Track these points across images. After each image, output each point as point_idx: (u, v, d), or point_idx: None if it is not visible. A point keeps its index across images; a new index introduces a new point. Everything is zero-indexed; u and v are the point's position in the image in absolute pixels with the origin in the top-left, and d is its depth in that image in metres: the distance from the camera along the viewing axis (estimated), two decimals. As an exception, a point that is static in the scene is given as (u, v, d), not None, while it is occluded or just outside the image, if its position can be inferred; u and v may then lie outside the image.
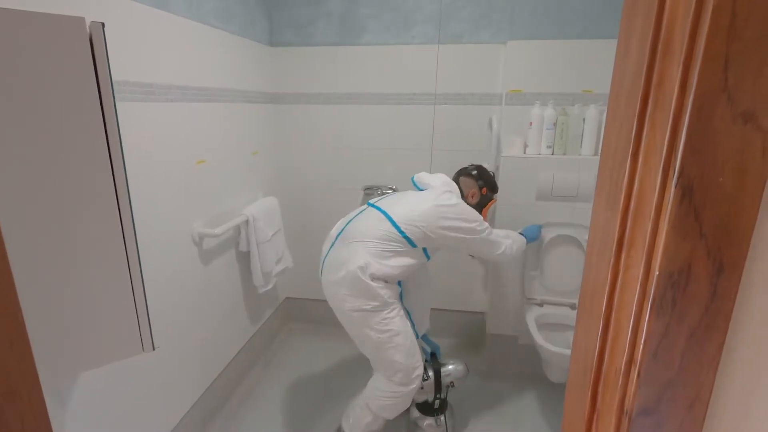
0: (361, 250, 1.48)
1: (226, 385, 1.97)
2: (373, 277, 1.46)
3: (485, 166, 1.82)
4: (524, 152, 2.08)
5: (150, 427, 1.49)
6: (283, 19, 2.27)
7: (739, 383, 0.36)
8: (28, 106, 0.67)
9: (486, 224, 1.65)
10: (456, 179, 1.75)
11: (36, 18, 0.65)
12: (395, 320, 1.50)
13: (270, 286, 2.11)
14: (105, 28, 0.73)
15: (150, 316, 0.87)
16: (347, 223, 1.60)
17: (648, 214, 0.36)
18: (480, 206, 1.75)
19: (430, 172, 2.40)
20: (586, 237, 1.99)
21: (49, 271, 0.73)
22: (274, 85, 2.33)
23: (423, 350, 1.81)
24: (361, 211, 1.64)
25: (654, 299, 0.36)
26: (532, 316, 1.96)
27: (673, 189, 0.34)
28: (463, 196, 1.72)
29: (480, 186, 1.75)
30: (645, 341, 0.37)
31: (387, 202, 1.63)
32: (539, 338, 1.79)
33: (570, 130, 1.99)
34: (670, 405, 0.37)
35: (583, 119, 1.97)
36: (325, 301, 1.58)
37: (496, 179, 1.84)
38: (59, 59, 0.69)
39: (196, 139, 1.66)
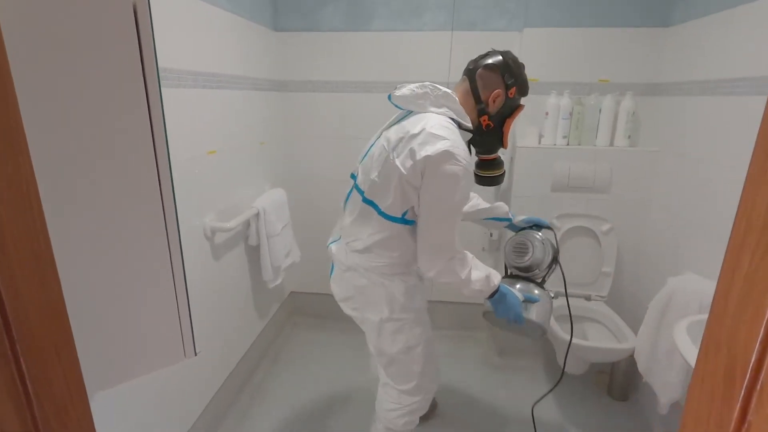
0: None
1: (237, 382, 1.91)
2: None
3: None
4: (539, 143, 2.05)
5: (166, 429, 1.42)
6: (288, 2, 2.17)
7: None
8: (72, 87, 0.60)
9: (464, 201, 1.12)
10: (471, 74, 1.20)
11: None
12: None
13: (279, 281, 2.04)
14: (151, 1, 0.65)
15: (192, 319, 0.80)
16: None
17: None
18: (501, 116, 1.21)
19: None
20: (601, 228, 2.00)
21: (91, 273, 0.66)
22: (280, 72, 2.24)
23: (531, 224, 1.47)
24: None
25: None
26: (548, 308, 1.95)
27: None
28: (480, 102, 1.18)
29: (508, 85, 1.17)
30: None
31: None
32: (558, 330, 1.78)
33: (585, 120, 1.97)
34: None
35: (599, 109, 1.96)
36: (329, 295, 1.44)
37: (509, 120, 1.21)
38: (104, 32, 0.61)
39: (207, 128, 1.57)
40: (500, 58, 1.18)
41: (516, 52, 2.05)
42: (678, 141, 1.78)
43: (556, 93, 1.97)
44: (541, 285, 1.38)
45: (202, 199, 1.56)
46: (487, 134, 1.24)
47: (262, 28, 2.04)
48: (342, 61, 2.20)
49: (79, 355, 0.65)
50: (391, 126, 1.23)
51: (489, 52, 1.21)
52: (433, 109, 1.16)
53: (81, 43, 0.59)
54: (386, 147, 1.15)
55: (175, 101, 1.36)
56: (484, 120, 1.21)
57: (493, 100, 1.19)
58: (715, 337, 0.44)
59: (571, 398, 1.99)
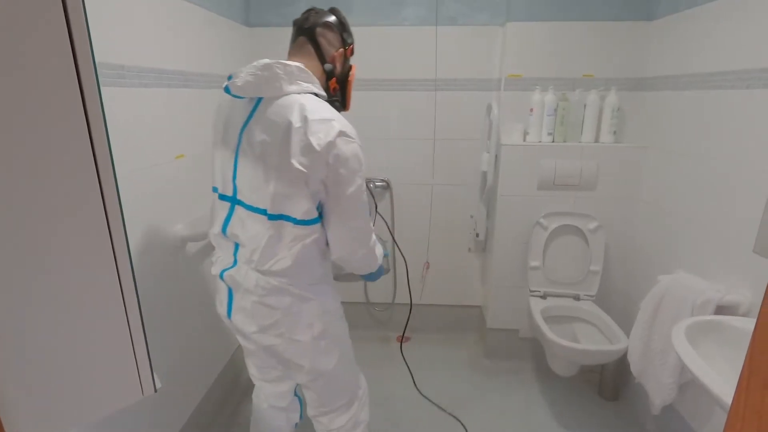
0: None
1: (211, 405, 1.78)
2: None
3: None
4: (524, 140, 2.00)
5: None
6: (260, -5, 2.06)
7: None
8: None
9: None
10: (310, 34, 1.08)
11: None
12: None
13: (258, 291, 1.94)
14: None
15: (149, 350, 0.71)
16: None
17: None
18: (343, 76, 1.15)
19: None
20: (589, 226, 1.95)
21: (18, 306, 0.56)
22: (253, 69, 2.12)
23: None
24: None
25: None
26: (537, 309, 1.90)
27: None
28: (326, 63, 1.09)
29: (348, 43, 1.12)
30: None
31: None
32: (549, 333, 1.73)
33: (571, 116, 1.93)
34: None
35: (584, 105, 1.91)
36: None
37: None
38: (27, 24, 0.51)
39: (174, 130, 1.46)
40: (333, 15, 1.11)
41: (499, 47, 2.03)
42: (664, 136, 1.75)
43: (540, 89, 1.91)
44: None
45: (170, 208, 1.45)
46: (334, 100, 1.15)
47: (234, 24, 1.93)
48: (319, 58, 2.10)
49: (6, 404, 0.55)
50: (246, 123, 1.03)
51: (314, 9, 1.11)
52: (292, 88, 1.00)
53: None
54: (273, 151, 0.97)
55: (136, 102, 1.24)
56: (332, 83, 1.12)
57: (338, 61, 1.11)
58: (760, 371, 0.38)
59: (561, 399, 1.95)
